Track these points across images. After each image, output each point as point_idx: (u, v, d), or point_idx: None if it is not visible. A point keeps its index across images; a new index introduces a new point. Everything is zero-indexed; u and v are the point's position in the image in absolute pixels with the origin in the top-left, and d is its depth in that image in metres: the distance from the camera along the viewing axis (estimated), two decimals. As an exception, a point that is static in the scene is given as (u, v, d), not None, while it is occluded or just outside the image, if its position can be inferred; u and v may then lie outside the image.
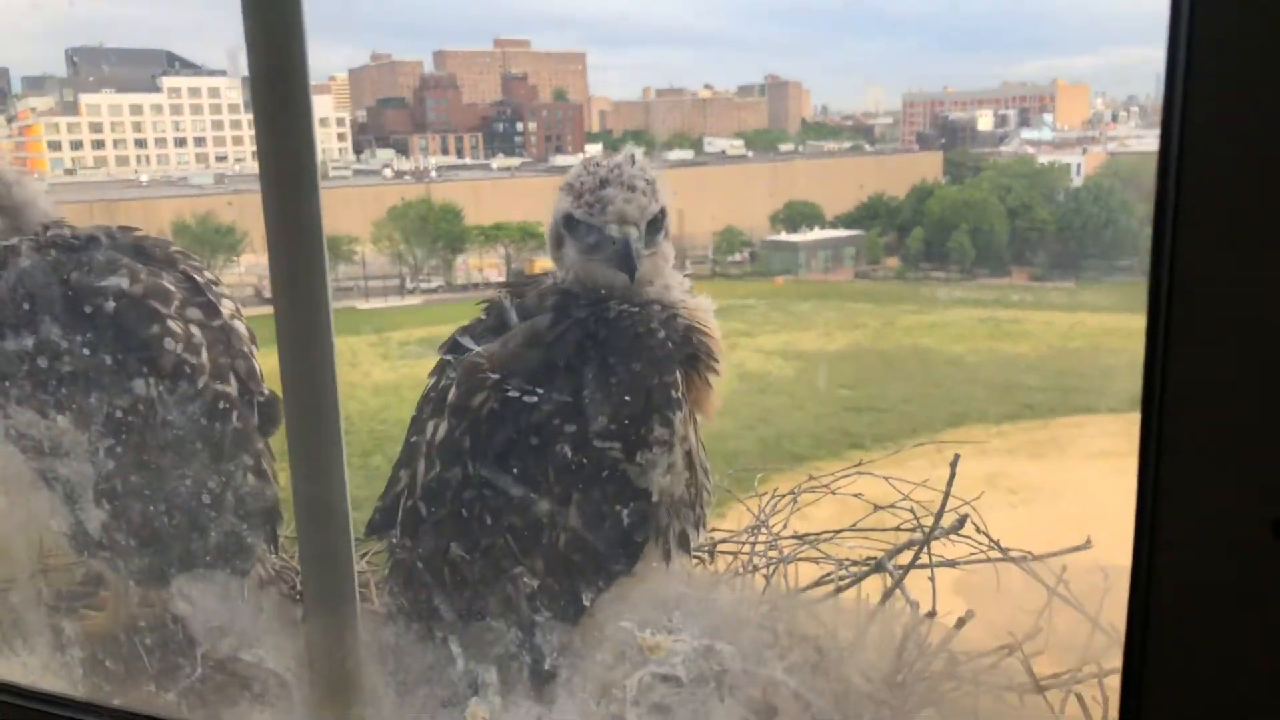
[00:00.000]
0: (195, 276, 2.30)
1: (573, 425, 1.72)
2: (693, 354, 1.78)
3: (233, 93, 15.06)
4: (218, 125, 14.94)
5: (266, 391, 2.32)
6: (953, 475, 2.05)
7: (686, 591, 1.81)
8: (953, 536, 2.05)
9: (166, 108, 14.63)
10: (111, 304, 2.14)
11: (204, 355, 2.20)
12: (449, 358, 1.86)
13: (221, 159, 14.96)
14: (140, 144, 14.57)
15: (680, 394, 1.73)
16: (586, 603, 1.79)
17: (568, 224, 1.79)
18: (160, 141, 14.64)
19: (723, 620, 1.77)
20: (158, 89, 14.77)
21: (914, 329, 13.12)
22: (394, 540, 1.94)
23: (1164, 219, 0.98)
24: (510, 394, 1.74)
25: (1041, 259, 13.17)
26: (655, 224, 1.77)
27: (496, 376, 1.76)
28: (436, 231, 14.02)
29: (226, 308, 2.30)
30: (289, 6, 1.51)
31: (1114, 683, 1.70)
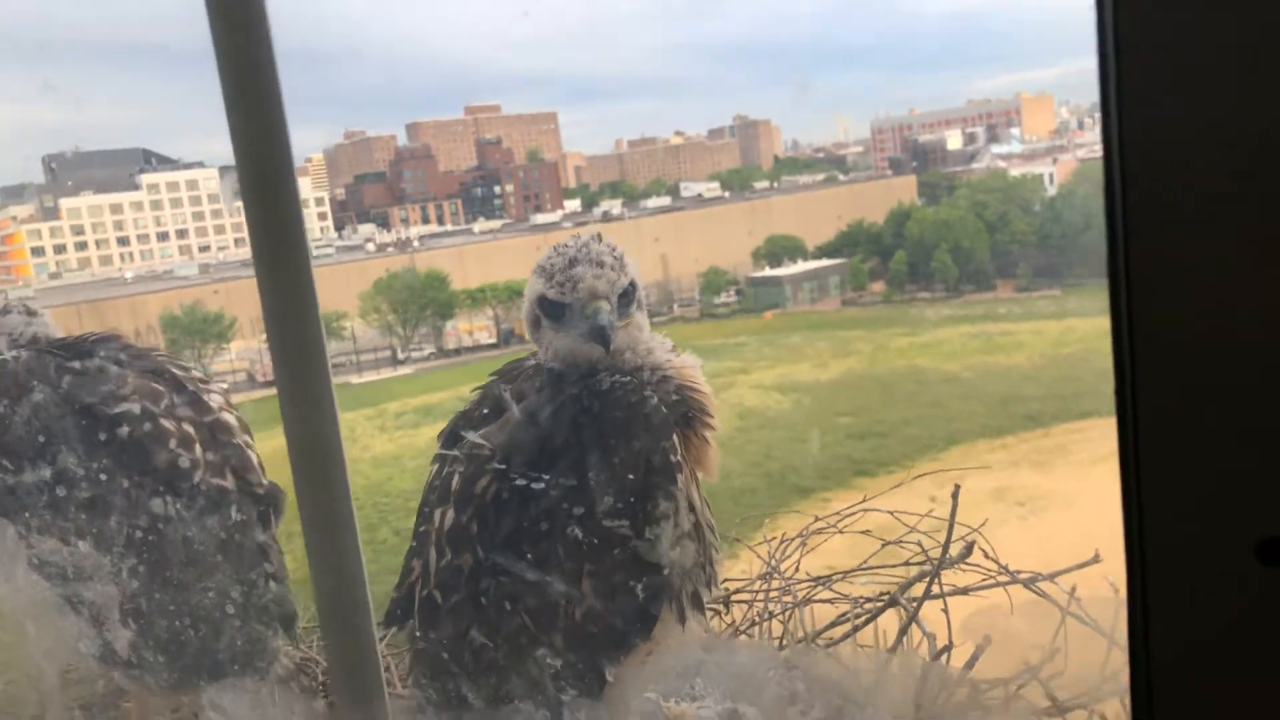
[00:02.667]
0: (179, 374, 2.31)
1: (580, 507, 1.73)
2: (686, 413, 1.80)
3: (211, 183, 15.23)
4: (198, 216, 15.07)
5: (266, 483, 2.31)
6: (955, 506, 2.04)
7: (705, 658, 1.80)
8: (963, 565, 2.04)
9: (146, 204, 14.77)
10: (121, 428, 2.16)
11: (197, 450, 2.20)
12: (455, 453, 1.86)
13: (205, 249, 15.07)
14: (122, 241, 14.68)
15: (679, 458, 1.75)
16: (609, 676, 1.79)
17: (542, 305, 1.82)
18: (143, 237, 14.75)
19: (743, 682, 1.76)
20: (136, 186, 14.93)
21: (907, 350, 13.16)
22: (414, 630, 1.93)
23: (1116, 244, 1.00)
24: (516, 481, 1.76)
25: (1024, 269, 13.27)
26: (626, 296, 1.80)
27: (501, 466, 1.78)
28: (424, 299, 14.08)
29: (215, 401, 2.30)
30: (269, 94, 1.54)
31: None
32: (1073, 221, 12.76)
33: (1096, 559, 1.90)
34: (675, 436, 1.78)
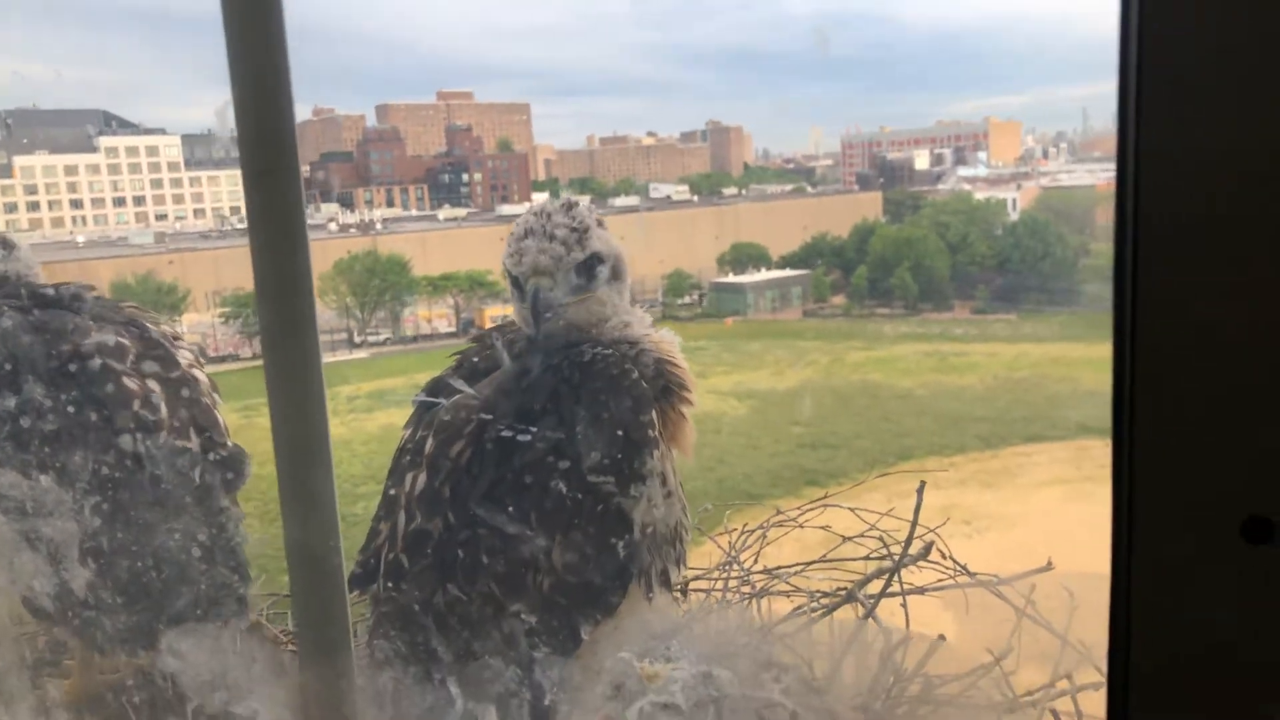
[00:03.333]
0: (150, 328, 2.26)
1: (565, 461, 1.73)
2: (665, 386, 1.80)
3: (172, 150, 14.92)
4: (157, 184, 14.76)
5: (230, 445, 2.27)
6: (919, 501, 2.08)
7: (681, 622, 1.82)
8: (920, 564, 2.07)
9: (104, 167, 14.43)
10: (73, 365, 2.10)
11: (162, 410, 2.15)
12: (440, 401, 1.83)
13: (161, 217, 14.76)
14: (76, 204, 14.33)
15: (656, 432, 1.75)
16: (584, 635, 1.79)
17: (505, 273, 1.82)
18: (98, 201, 14.41)
19: (718, 647, 1.78)
20: (94, 149, 14.58)
21: (863, 365, 13.29)
22: (378, 592, 1.91)
23: (1124, 226, 1.01)
24: (502, 433, 1.75)
25: (983, 292, 13.47)
26: (585, 269, 1.78)
27: (487, 416, 1.76)
28: (384, 283, 13.93)
29: (185, 358, 2.26)
30: (277, 65, 1.51)
31: (1087, 697, 1.73)
32: (1032, 248, 12.98)
33: (1050, 566, 1.94)
34: (654, 411, 1.78)
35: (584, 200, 1.86)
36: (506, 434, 1.77)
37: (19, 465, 2.07)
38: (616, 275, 1.85)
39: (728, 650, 1.79)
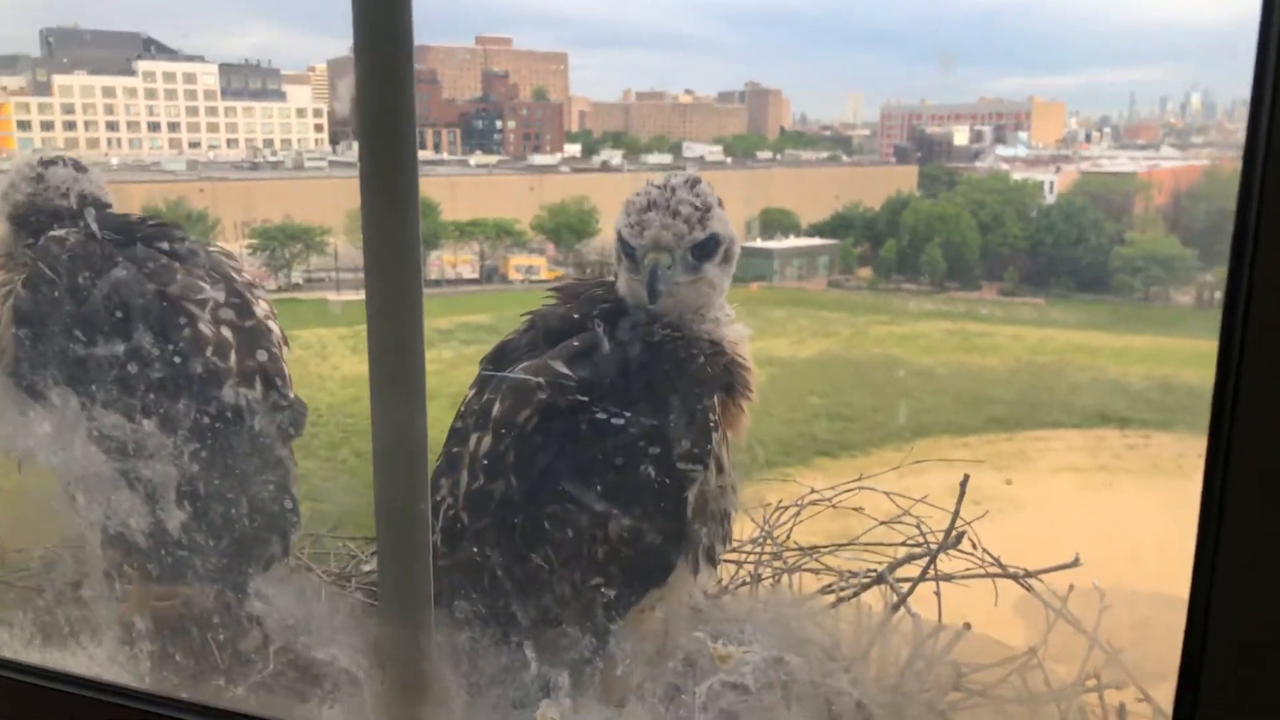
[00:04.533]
0: (233, 275, 2.29)
1: (628, 435, 1.75)
2: (730, 384, 1.82)
3: (209, 79, 14.91)
4: (192, 111, 14.77)
5: (292, 396, 2.31)
6: (962, 494, 2.09)
7: (755, 605, 1.88)
8: (950, 552, 2.09)
9: (141, 91, 14.44)
10: (148, 304, 2.14)
11: (232, 359, 2.19)
12: (539, 380, 1.83)
13: (195, 145, 14.79)
14: (112, 126, 14.36)
15: (715, 418, 1.78)
16: (617, 616, 1.83)
17: (619, 240, 1.81)
18: (133, 125, 14.44)
19: (790, 633, 1.83)
20: (133, 72, 14.59)
21: (884, 339, 13.22)
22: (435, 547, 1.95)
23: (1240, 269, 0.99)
24: (560, 406, 1.78)
25: (1012, 274, 13.32)
26: (703, 249, 1.77)
27: (545, 395, 1.78)
28: (411, 226, 13.92)
29: (262, 309, 2.29)
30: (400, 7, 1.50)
31: (1113, 696, 1.74)
32: (1066, 232, 12.79)
33: (1077, 562, 1.96)
34: (716, 399, 1.81)
35: (705, 179, 1.84)
36: (564, 407, 1.79)
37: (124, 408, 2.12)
38: (727, 259, 1.86)
39: (800, 637, 1.84)
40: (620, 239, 1.81)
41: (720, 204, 1.82)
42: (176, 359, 2.12)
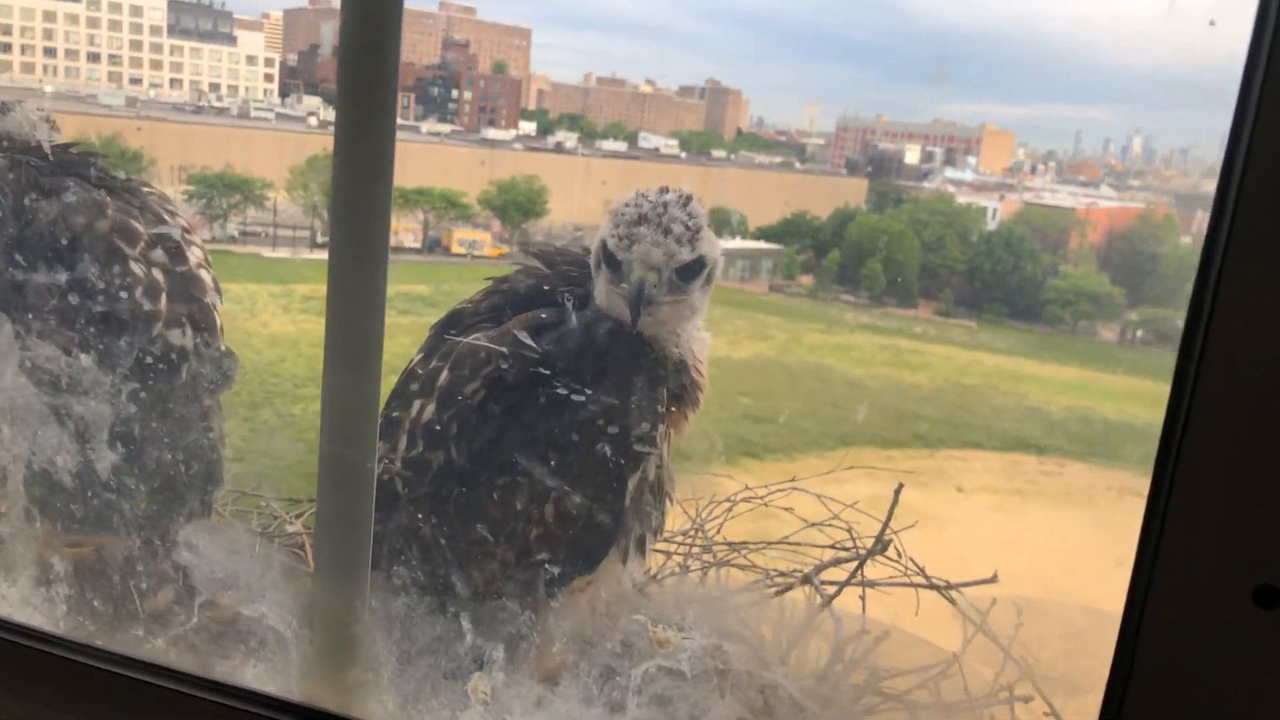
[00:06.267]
0: (166, 217, 2.20)
1: (582, 416, 1.73)
2: (682, 395, 1.82)
3: (156, 14, 14.39)
4: (136, 46, 14.24)
5: (223, 348, 2.24)
6: (895, 501, 2.13)
7: (699, 593, 1.89)
8: (875, 559, 2.13)
9: (83, 19, 13.88)
10: (76, 237, 2.04)
11: (162, 302, 2.11)
12: (502, 350, 1.79)
13: (136, 81, 14.27)
14: (49, 53, 13.78)
15: (663, 412, 1.78)
16: (546, 598, 1.83)
17: (603, 250, 1.78)
18: (71, 53, 13.87)
19: (729, 621, 1.84)
20: (76, -2, 14.00)
21: (819, 347, 13.40)
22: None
23: (1205, 285, 1.01)
24: (508, 379, 1.75)
25: (947, 295, 13.59)
26: (689, 271, 1.77)
27: (503, 365, 1.75)
28: (356, 188, 13.65)
29: (195, 256, 2.21)
30: None
31: (1028, 709, 1.79)
32: (1004, 259, 13.09)
33: (995, 578, 2.02)
34: (666, 395, 1.83)
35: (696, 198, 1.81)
36: (533, 381, 1.78)
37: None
38: (709, 280, 1.86)
39: (741, 628, 1.87)
40: (604, 249, 1.78)
41: (709, 224, 1.81)
42: (103, 296, 2.05)
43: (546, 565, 1.80)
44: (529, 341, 1.78)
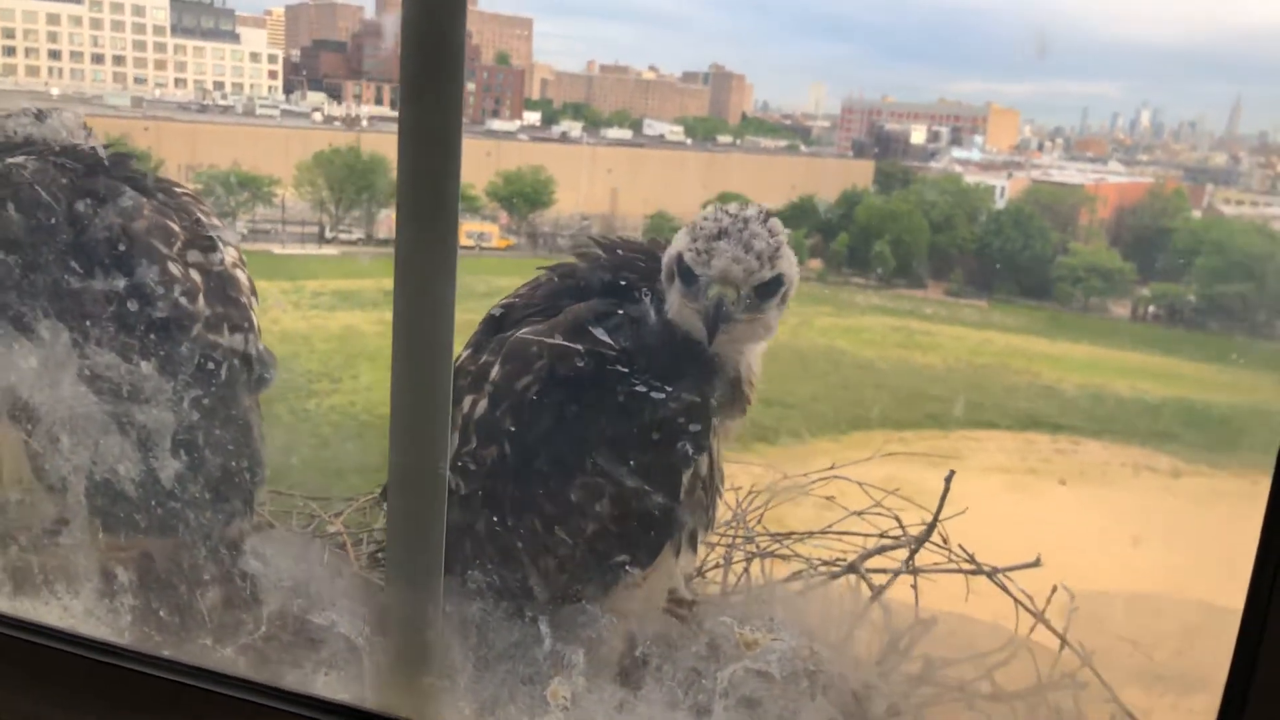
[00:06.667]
0: (202, 218, 2.20)
1: (645, 413, 1.72)
2: (732, 405, 1.81)
3: (159, 13, 14.40)
4: (140, 46, 14.26)
5: (262, 347, 2.24)
6: (946, 490, 2.11)
7: (784, 593, 1.87)
8: (928, 545, 2.12)
9: (86, 20, 13.90)
10: (113, 238, 2.04)
11: (200, 302, 2.11)
12: (578, 347, 1.76)
13: (141, 81, 14.29)
14: (54, 55, 13.81)
15: (716, 407, 1.76)
16: (592, 594, 1.81)
17: (678, 263, 1.74)
18: (76, 55, 13.90)
19: (817, 622, 1.83)
20: (79, 0, 14.02)
21: (829, 330, 13.36)
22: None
23: None
24: (560, 374, 1.73)
25: (957, 275, 13.53)
26: (767, 289, 1.71)
27: (581, 364, 1.73)
28: (363, 182, 13.67)
29: (230, 256, 2.20)
30: None
31: (1088, 694, 1.79)
32: (1014, 238, 13.03)
33: (1038, 562, 2.00)
34: (719, 399, 1.81)
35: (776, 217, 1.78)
36: (591, 376, 1.75)
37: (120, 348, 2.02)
38: (784, 300, 1.81)
39: (836, 634, 1.84)
40: (680, 261, 1.72)
41: (788, 242, 1.78)
42: (142, 299, 2.05)
43: (600, 560, 1.78)
44: (607, 339, 1.74)
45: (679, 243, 1.76)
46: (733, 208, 1.76)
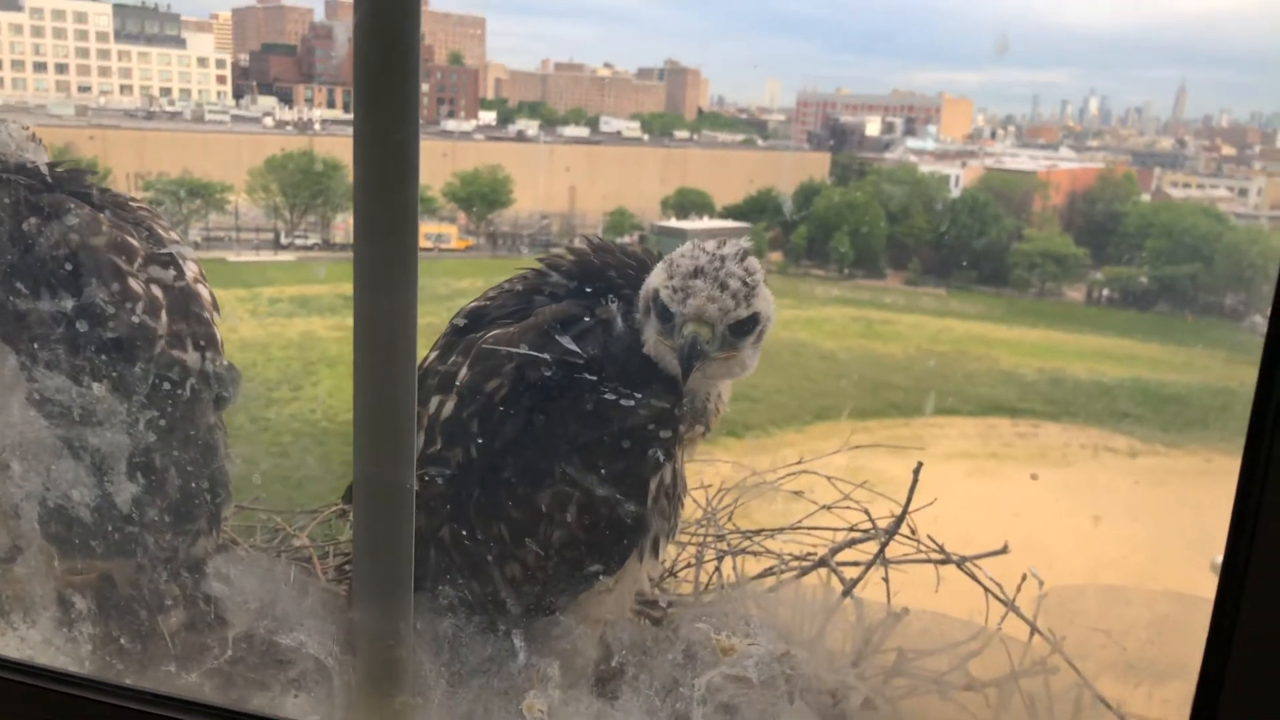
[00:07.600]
0: (160, 233, 2.14)
1: (602, 417, 1.69)
2: (701, 429, 1.80)
3: (102, 19, 14.11)
4: (82, 53, 13.96)
5: (225, 363, 2.18)
6: (915, 482, 2.10)
7: (760, 597, 1.85)
8: (898, 538, 2.12)
9: (27, 28, 13.58)
10: (70, 254, 1.98)
11: (163, 318, 2.05)
12: (544, 356, 1.73)
13: (85, 89, 13.99)
14: (-6, 64, 13.48)
15: (682, 417, 1.75)
16: (561, 603, 1.79)
17: (654, 299, 1.71)
18: (17, 64, 13.58)
19: (794, 626, 1.81)
20: (18, 7, 13.69)
21: (791, 323, 13.43)
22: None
23: None
24: (531, 378, 1.71)
25: (915, 264, 13.68)
26: (742, 328, 1.68)
27: (546, 372, 1.70)
28: (317, 187, 13.50)
29: (191, 270, 2.15)
30: None
31: (1058, 681, 1.80)
32: (969, 226, 13.19)
33: (1005, 549, 2.00)
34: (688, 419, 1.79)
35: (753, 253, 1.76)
36: (560, 383, 1.73)
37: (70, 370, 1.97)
38: (760, 338, 1.79)
39: (809, 631, 1.81)
40: (656, 298, 1.71)
41: (764, 281, 1.76)
42: (110, 319, 2.00)
43: (569, 568, 1.77)
44: (573, 346, 1.72)
45: (656, 278, 1.74)
46: (710, 245, 1.75)
